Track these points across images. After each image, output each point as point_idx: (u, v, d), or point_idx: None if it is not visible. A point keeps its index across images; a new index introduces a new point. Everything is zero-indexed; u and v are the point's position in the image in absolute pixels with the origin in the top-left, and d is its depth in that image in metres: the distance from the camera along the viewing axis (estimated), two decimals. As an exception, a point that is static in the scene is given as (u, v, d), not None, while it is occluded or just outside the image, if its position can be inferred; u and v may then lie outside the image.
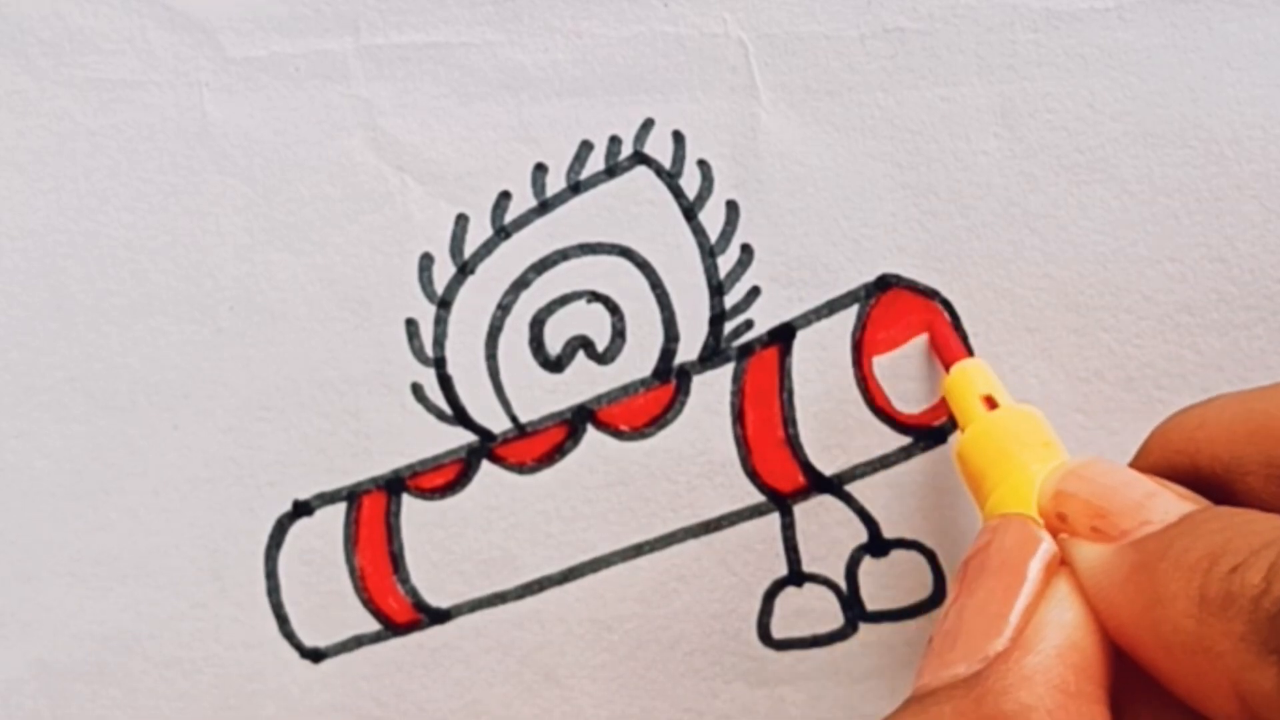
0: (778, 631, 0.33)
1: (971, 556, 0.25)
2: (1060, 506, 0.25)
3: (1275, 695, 0.20)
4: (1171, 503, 0.24)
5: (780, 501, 0.32)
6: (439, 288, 0.33)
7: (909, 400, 0.32)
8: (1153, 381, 0.32)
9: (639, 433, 0.33)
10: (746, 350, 0.33)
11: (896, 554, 0.32)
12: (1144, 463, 0.27)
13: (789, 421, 0.32)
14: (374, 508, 0.33)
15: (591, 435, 0.33)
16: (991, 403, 0.29)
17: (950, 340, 0.31)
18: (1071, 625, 0.23)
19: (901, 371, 0.32)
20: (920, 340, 0.32)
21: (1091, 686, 0.23)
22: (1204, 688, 0.21)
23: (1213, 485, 0.25)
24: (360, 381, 0.33)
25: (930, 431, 0.32)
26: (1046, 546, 0.24)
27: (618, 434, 0.33)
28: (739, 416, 0.32)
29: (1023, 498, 0.26)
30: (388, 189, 0.33)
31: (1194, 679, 0.22)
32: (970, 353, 0.32)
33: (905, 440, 0.32)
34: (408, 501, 0.33)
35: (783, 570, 0.32)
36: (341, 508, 0.33)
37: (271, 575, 0.33)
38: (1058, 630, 0.23)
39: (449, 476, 0.33)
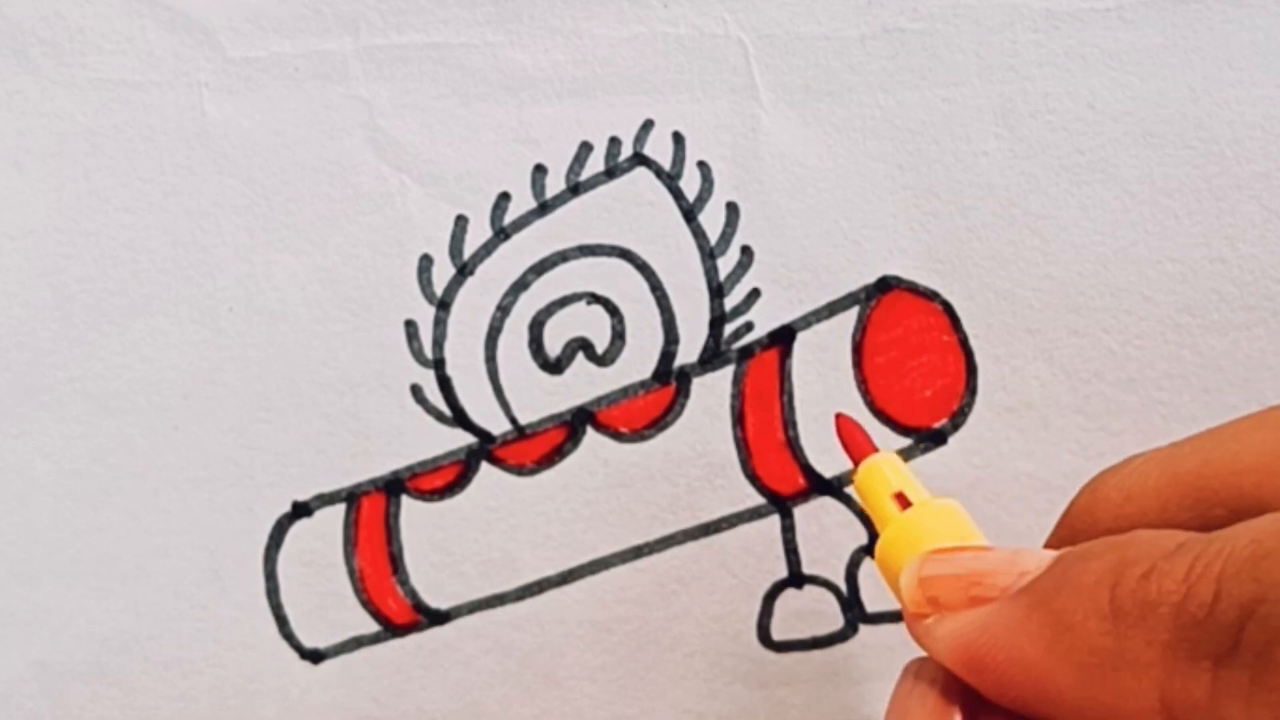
0: (777, 633, 0.33)
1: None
2: (929, 591, 0.24)
3: (1207, 703, 0.20)
4: (1041, 552, 0.23)
5: (780, 503, 0.32)
6: (438, 289, 0.33)
7: (909, 403, 0.32)
8: (1153, 383, 0.32)
9: (639, 435, 0.33)
10: (747, 352, 0.33)
11: (896, 556, 0.32)
12: (1067, 541, 0.26)
13: (789, 424, 0.32)
14: (373, 509, 0.33)
15: (591, 437, 0.33)
16: (904, 500, 0.27)
17: (855, 436, 0.29)
18: None
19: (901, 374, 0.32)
20: (921, 339, 0.32)
21: None
22: (1125, 706, 0.21)
23: None
24: (360, 382, 0.33)
25: (930, 433, 0.32)
26: None
27: (617, 436, 0.33)
28: (739, 419, 0.32)
29: None
30: (387, 189, 0.33)
31: (1114, 699, 0.21)
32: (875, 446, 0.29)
33: (905, 441, 0.32)
34: (407, 503, 0.33)
35: (783, 572, 0.32)
36: (341, 509, 0.33)
37: (271, 576, 0.33)
38: None
39: (448, 478, 0.33)
